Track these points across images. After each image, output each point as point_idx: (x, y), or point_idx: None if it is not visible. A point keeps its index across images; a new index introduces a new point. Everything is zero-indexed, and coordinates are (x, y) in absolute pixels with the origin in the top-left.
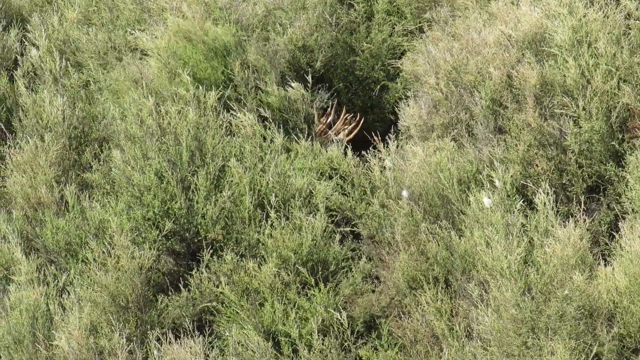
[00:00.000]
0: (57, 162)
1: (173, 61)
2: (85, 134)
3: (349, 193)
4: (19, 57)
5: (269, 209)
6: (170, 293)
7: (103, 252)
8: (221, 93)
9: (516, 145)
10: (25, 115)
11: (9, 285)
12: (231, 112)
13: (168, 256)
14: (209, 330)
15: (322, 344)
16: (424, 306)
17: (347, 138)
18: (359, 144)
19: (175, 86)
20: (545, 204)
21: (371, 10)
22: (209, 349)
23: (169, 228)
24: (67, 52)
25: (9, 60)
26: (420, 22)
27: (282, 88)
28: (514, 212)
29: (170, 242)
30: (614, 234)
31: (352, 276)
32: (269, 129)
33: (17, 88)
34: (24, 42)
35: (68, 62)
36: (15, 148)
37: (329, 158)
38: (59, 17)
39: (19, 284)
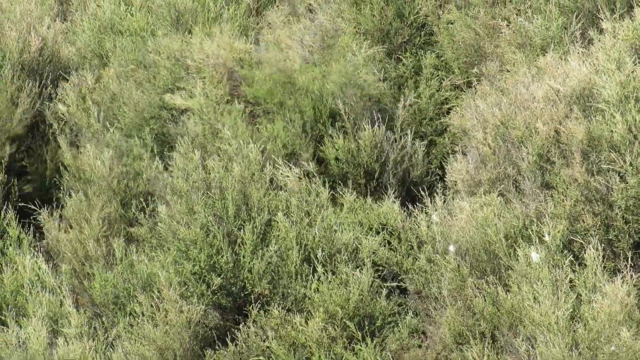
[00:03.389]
0: (104, 216)
1: (215, 118)
2: (129, 188)
3: (395, 248)
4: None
5: (315, 263)
6: (217, 347)
7: (151, 306)
8: (263, 147)
9: (563, 201)
10: (70, 170)
11: (57, 338)
12: (277, 166)
13: (214, 310)
14: None
15: None
16: None
17: None
18: (407, 199)
19: (220, 143)
20: (594, 259)
21: (419, 65)
22: None
23: (218, 283)
24: (107, 107)
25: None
26: (468, 77)
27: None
28: (561, 268)
29: (216, 296)
30: None
31: (399, 331)
32: (314, 183)
33: (61, 142)
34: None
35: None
36: (61, 203)
37: (377, 213)
38: (95, 73)
39: (67, 337)
